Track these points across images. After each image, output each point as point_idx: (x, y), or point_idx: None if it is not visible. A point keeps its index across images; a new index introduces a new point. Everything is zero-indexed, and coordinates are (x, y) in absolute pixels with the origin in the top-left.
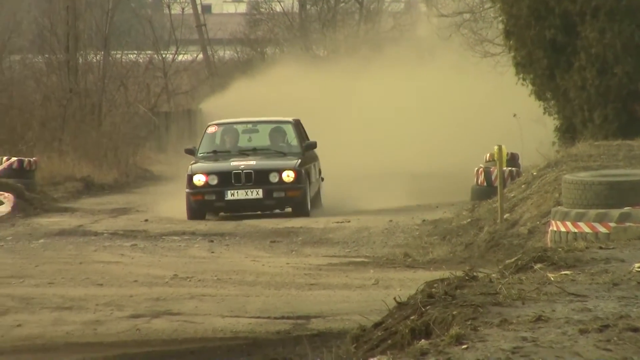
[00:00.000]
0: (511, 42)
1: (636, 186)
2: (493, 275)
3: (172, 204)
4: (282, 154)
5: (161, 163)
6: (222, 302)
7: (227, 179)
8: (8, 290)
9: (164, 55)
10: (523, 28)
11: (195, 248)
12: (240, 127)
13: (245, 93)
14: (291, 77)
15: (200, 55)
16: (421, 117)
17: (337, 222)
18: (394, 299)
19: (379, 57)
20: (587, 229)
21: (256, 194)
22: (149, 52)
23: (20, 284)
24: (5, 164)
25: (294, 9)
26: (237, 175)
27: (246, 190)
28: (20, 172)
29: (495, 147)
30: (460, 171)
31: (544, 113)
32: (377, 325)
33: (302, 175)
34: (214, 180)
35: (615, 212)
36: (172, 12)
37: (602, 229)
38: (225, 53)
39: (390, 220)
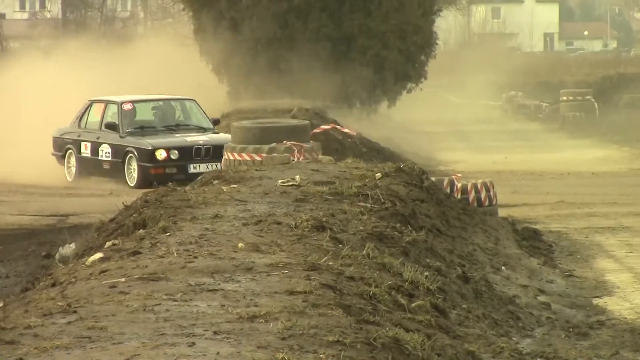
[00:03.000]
0: (198, 37)
1: (279, 130)
2: (187, 188)
3: None
4: (204, 130)
5: None
6: (12, 205)
7: (189, 153)
8: None
9: None
10: (205, 27)
11: None
12: (150, 104)
13: None
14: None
15: None
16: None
17: None
18: (123, 203)
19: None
20: (247, 158)
21: (215, 167)
22: None
23: None
24: None
25: (58, 16)
26: (198, 150)
27: (207, 164)
28: None
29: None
30: None
31: (219, 82)
32: (111, 220)
33: None
34: (175, 155)
35: (266, 147)
36: None
37: (257, 158)
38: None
39: None
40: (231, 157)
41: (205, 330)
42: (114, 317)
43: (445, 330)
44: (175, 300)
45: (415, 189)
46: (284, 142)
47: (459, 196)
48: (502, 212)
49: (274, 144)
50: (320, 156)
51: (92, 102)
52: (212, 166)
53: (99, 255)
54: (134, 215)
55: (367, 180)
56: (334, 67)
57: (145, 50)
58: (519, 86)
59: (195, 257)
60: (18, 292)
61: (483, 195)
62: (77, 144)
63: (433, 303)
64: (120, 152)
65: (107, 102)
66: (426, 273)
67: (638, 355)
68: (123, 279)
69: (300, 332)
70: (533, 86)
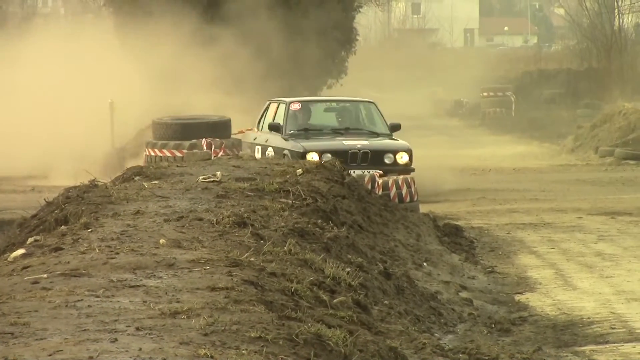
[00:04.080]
0: (119, 34)
1: (200, 126)
2: (108, 184)
3: None
4: (376, 135)
5: None
6: None
7: (343, 158)
8: None
9: None
10: (126, 23)
11: None
12: (322, 106)
13: None
14: None
15: None
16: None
17: None
18: (44, 199)
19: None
20: (168, 154)
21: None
22: None
23: None
24: None
25: None
26: (354, 155)
27: (363, 171)
28: None
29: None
30: None
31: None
32: (33, 216)
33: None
34: (327, 159)
35: (187, 143)
36: None
37: (178, 154)
38: None
39: None
40: (152, 154)
41: (127, 326)
42: (36, 312)
43: (367, 327)
44: (97, 296)
45: (337, 185)
46: (205, 138)
47: (380, 192)
48: (423, 208)
49: (194, 140)
50: (241, 152)
51: (269, 103)
52: (368, 173)
53: (21, 251)
54: (56, 211)
55: (288, 176)
56: (254, 62)
57: (68, 47)
58: (440, 82)
59: (117, 253)
60: None
61: (404, 191)
62: (252, 149)
63: (355, 299)
64: (279, 156)
65: (280, 102)
66: (348, 269)
67: (560, 351)
68: (45, 275)
69: (222, 328)
70: (453, 82)
